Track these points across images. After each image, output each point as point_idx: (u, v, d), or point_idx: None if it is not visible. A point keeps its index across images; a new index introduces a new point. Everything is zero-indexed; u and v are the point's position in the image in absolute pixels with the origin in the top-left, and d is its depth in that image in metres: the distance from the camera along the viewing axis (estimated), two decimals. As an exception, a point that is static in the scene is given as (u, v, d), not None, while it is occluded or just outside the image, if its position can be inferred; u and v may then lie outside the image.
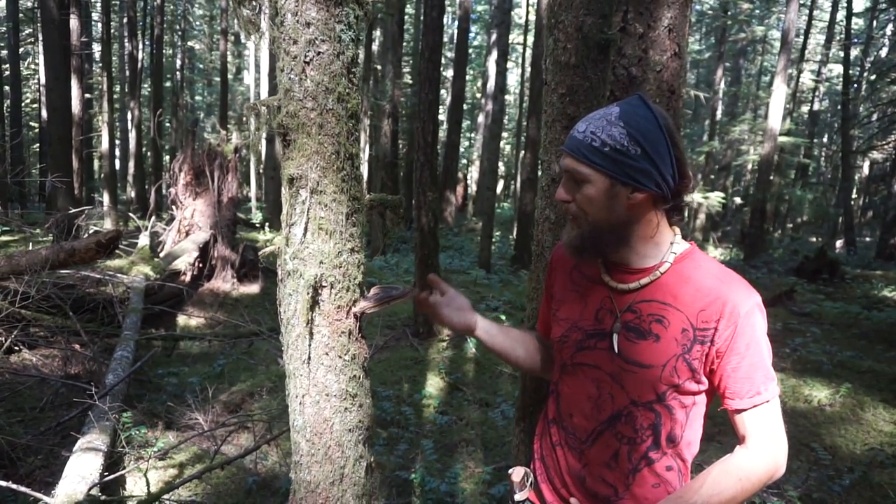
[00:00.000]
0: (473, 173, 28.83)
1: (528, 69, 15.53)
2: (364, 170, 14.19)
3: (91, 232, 8.05)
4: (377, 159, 13.81)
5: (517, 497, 1.42)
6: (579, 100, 1.73)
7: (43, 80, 12.01)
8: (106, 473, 2.89)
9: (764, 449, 1.14)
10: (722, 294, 1.15)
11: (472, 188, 26.04)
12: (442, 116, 20.20)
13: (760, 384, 1.14)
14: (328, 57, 1.23)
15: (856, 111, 21.15)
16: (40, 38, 13.03)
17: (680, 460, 1.23)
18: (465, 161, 30.70)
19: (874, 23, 22.97)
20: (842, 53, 19.47)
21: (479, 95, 27.68)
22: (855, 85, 21.87)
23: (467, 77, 22.79)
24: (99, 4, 20.08)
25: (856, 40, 22.69)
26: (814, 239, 22.31)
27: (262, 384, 4.62)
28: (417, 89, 6.17)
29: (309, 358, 1.33)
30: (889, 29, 22.89)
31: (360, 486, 1.44)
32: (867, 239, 23.05)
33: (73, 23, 10.84)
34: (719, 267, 1.21)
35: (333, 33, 1.22)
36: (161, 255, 7.36)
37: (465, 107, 22.07)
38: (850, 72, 18.60)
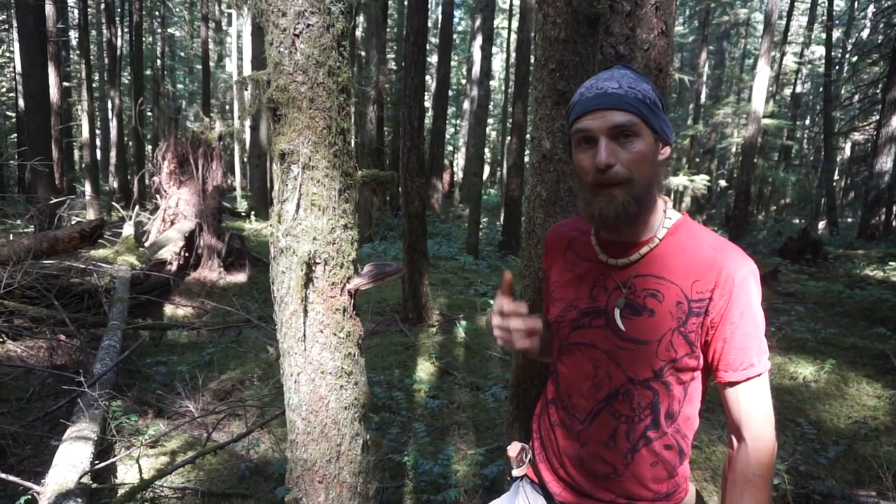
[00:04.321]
0: (459, 160, 28.78)
1: (514, 54, 15.46)
2: (350, 157, 14.02)
3: (73, 222, 7.93)
4: (363, 146, 13.70)
5: (514, 472, 1.41)
6: (569, 75, 1.72)
7: (19, 68, 11.75)
8: (97, 461, 2.87)
9: (763, 436, 1.14)
10: (717, 262, 1.13)
11: (459, 175, 25.99)
12: (427, 103, 20.10)
13: (754, 356, 1.13)
14: (318, 29, 1.21)
15: (838, 93, 21.36)
16: (14, 24, 12.73)
17: (679, 436, 1.22)
18: (451, 148, 30.60)
19: (856, 4, 23.14)
20: (824, 35, 19.59)
21: (464, 81, 27.55)
22: (837, 67, 22.06)
23: (452, 63, 22.69)
24: (75, -9, 19.64)
25: (837, 22, 22.84)
26: (797, 220, 22.59)
27: (252, 371, 4.61)
28: (403, 74, 6.12)
29: (304, 335, 1.32)
30: (870, 10, 23.04)
31: (356, 463, 1.44)
32: (849, 219, 23.38)
33: (49, 8, 10.60)
34: (713, 236, 1.19)
35: (323, 5, 1.20)
36: (146, 244, 7.28)
37: (450, 93, 21.94)
38: (832, 53, 18.73)
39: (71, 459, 2.70)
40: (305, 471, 1.40)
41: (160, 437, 3.40)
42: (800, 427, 3.75)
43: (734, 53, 28.62)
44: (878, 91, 17.04)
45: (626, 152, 1.10)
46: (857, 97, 20.18)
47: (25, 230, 9.48)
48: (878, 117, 15.34)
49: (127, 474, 3.07)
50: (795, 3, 22.35)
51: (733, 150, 23.31)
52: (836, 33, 22.91)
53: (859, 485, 3.15)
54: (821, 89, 22.95)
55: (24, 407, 3.71)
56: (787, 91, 26.00)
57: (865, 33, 23.80)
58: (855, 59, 20.43)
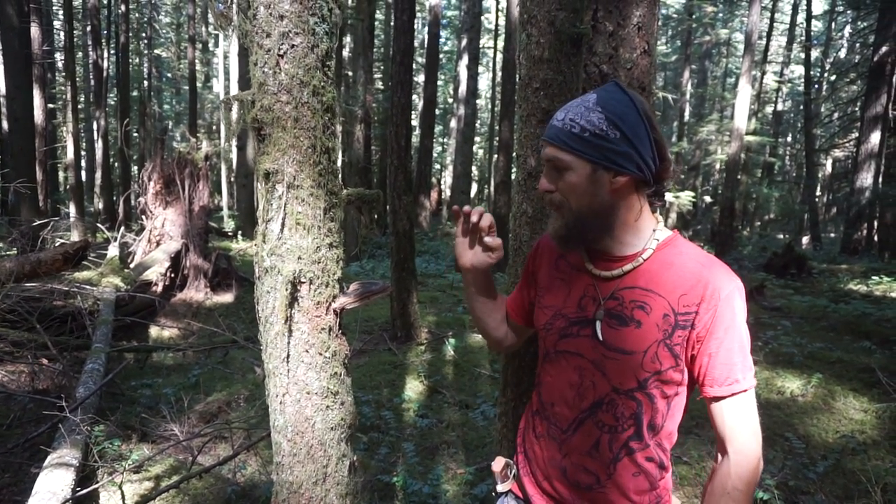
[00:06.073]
0: (447, 178, 28.89)
1: (500, 73, 15.63)
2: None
3: (57, 244, 7.85)
4: (350, 165, 13.72)
5: (499, 488, 1.42)
6: (553, 94, 1.74)
7: (3, 90, 11.69)
8: (78, 489, 2.80)
9: (746, 451, 1.14)
10: (703, 277, 1.15)
11: (447, 193, 26.08)
12: (414, 122, 20.21)
13: (738, 371, 1.13)
14: (302, 50, 1.22)
15: (817, 111, 21.78)
16: None
17: (661, 450, 1.23)
18: (438, 166, 30.75)
19: (833, 25, 23.71)
20: (803, 55, 20.02)
21: (451, 100, 27.77)
22: (816, 85, 22.52)
23: (439, 82, 22.88)
24: (61, 13, 19.65)
25: (815, 42, 23.35)
26: (781, 235, 22.84)
27: (238, 393, 4.55)
28: (390, 93, 6.16)
29: (288, 356, 1.31)
30: (847, 31, 23.61)
31: (343, 485, 1.42)
32: (832, 234, 23.66)
33: (34, 31, 10.60)
34: (702, 252, 1.21)
35: (307, 26, 1.21)
36: (131, 265, 7.21)
37: (437, 112, 22.11)
38: (811, 72, 19.12)
39: (51, 487, 2.64)
40: (291, 493, 1.38)
41: (144, 461, 3.34)
42: (788, 442, 3.76)
43: (716, 72, 29.14)
44: (856, 109, 17.39)
45: (561, 181, 1.18)
46: (836, 115, 20.57)
47: (8, 253, 9.36)
48: (857, 134, 15.63)
49: (109, 501, 3.00)
50: (775, 24, 22.85)
51: (717, 166, 23.61)
52: (815, 53, 23.42)
53: (849, 499, 3.15)
54: (801, 107, 23.39)
55: (4, 434, 3.63)
56: (769, 109, 26.46)
57: (843, 53, 24.36)
58: (833, 77, 20.88)
